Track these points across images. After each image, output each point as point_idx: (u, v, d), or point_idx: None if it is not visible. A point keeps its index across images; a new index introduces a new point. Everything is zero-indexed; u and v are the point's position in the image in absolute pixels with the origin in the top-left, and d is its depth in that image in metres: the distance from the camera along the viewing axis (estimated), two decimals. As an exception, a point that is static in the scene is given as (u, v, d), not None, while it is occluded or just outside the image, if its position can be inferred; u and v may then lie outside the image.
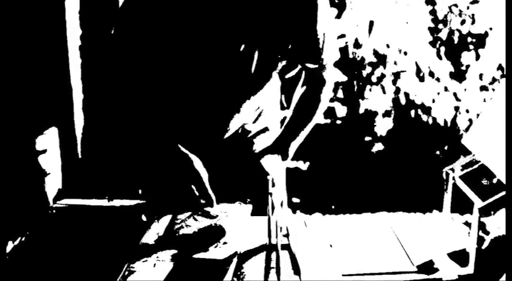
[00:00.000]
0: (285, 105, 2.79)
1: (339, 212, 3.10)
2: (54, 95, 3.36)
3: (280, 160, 2.39)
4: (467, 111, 4.25)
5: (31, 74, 3.20)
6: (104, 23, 3.51)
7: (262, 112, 2.48)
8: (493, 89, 4.18)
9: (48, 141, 3.27)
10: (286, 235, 1.89)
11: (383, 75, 4.18)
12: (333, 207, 3.80)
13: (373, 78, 4.18)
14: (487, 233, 1.83)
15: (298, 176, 4.14)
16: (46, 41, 3.27)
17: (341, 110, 4.21)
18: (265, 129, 2.53)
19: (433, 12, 4.10)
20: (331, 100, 4.15)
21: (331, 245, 1.73)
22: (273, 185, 1.73)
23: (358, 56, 4.16)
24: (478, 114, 4.17)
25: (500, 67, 4.16)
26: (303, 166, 4.20)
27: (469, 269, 1.71)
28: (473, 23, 4.13)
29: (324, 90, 2.45)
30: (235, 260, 1.72)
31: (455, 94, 4.23)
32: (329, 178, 4.20)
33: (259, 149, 2.43)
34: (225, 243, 1.83)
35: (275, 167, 2.35)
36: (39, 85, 3.26)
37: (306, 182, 4.17)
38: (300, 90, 2.50)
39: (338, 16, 4.08)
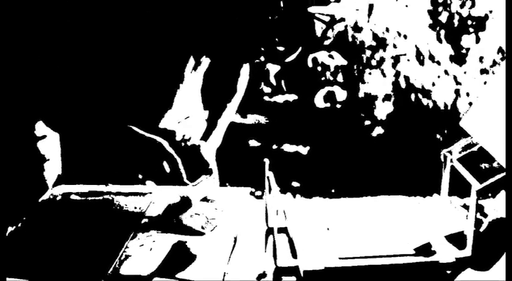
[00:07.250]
0: (285, 89, 2.74)
1: (339, 196, 3.10)
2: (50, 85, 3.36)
3: None
4: (467, 94, 4.24)
5: (30, 64, 3.20)
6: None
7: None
8: (493, 72, 4.17)
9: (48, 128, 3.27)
10: (284, 218, 1.89)
11: (383, 59, 4.17)
12: (332, 191, 3.80)
13: (373, 62, 4.17)
14: (485, 215, 1.83)
15: (298, 161, 4.14)
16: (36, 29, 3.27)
17: (341, 94, 4.20)
18: None
19: (432, -5, 4.09)
20: (331, 84, 4.15)
21: (328, 229, 1.73)
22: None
23: (357, 40, 4.14)
24: (478, 97, 4.16)
25: (500, 50, 4.14)
26: (303, 150, 4.20)
27: (467, 252, 1.71)
28: (473, 5, 4.10)
29: None
30: (232, 243, 1.73)
31: (455, 77, 4.21)
32: (329, 162, 4.20)
33: None
34: (222, 226, 1.83)
35: None
36: (38, 76, 3.26)
37: (306, 166, 4.17)
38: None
39: (337, 0, 4.06)
